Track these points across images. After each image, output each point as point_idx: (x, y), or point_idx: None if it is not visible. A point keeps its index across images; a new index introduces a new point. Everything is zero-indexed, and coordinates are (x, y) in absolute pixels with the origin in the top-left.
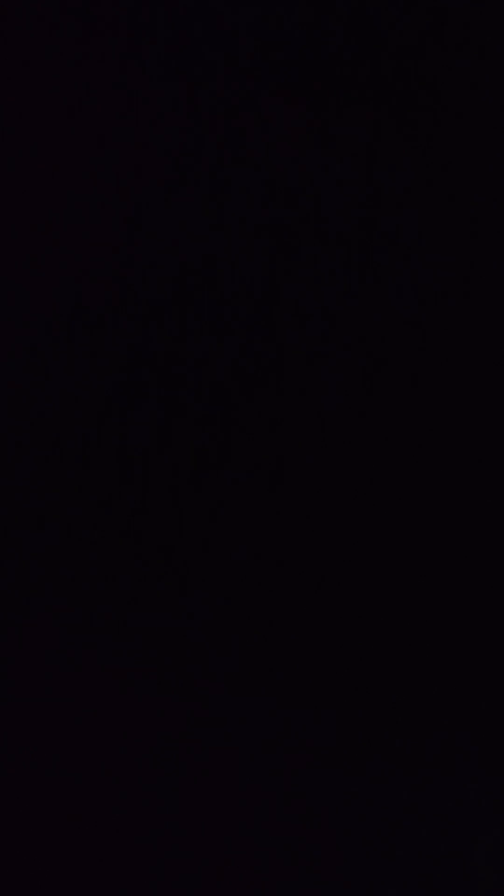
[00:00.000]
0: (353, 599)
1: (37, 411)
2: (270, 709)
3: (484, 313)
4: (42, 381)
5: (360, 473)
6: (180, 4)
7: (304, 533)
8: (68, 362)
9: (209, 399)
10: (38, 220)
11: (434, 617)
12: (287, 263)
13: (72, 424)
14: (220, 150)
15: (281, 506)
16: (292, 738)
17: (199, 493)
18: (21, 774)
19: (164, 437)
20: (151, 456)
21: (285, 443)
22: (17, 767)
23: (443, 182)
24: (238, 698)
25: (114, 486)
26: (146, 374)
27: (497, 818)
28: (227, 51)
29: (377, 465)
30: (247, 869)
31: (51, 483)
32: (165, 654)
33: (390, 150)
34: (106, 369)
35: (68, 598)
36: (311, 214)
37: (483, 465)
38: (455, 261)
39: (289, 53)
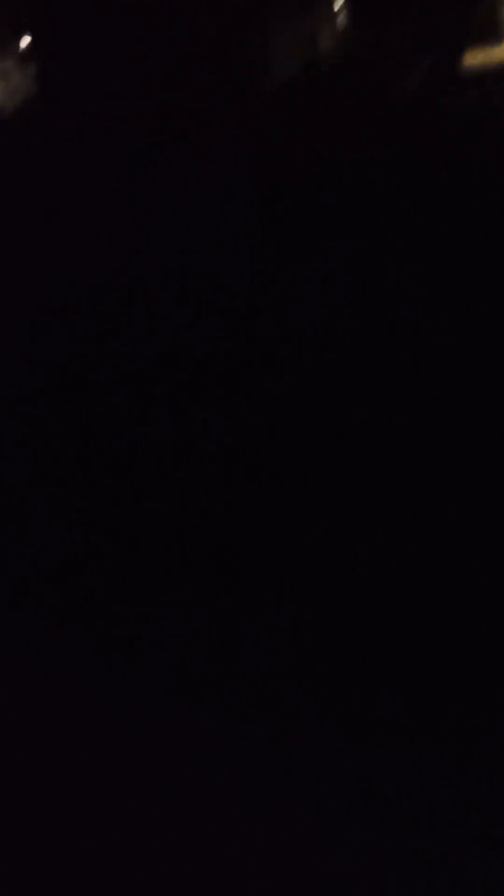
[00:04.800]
0: (354, 597)
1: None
2: (271, 710)
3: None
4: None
5: (360, 475)
6: None
7: (304, 532)
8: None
9: (208, 396)
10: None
11: (436, 618)
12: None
13: (71, 419)
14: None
15: (281, 506)
16: (293, 739)
17: (198, 492)
18: (21, 777)
19: (163, 439)
20: (151, 459)
21: (286, 443)
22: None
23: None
24: (239, 698)
25: (113, 487)
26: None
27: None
28: None
29: (377, 466)
30: (247, 869)
31: (48, 479)
32: (165, 652)
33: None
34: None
35: (68, 597)
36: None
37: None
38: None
39: None
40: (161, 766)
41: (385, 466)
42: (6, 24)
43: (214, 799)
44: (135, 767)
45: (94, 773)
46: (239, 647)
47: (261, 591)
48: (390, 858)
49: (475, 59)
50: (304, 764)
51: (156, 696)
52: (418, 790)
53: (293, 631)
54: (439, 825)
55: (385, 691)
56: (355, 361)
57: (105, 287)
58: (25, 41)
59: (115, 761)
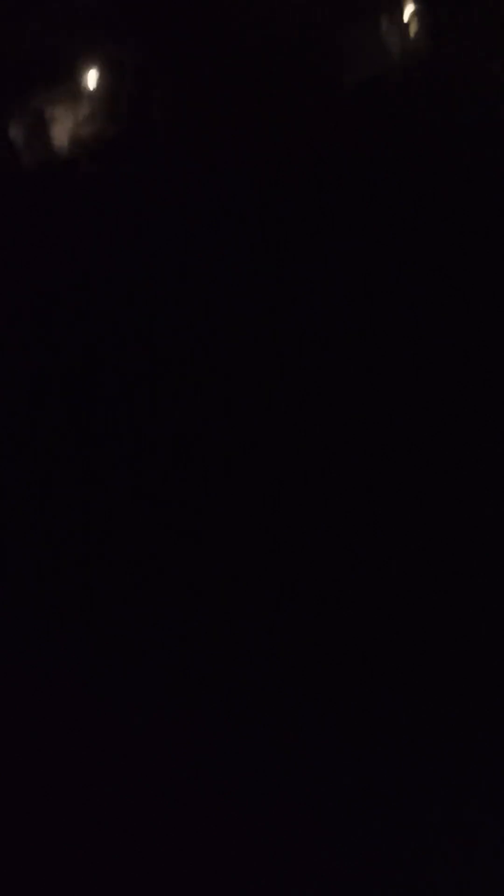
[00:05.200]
0: (355, 598)
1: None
2: (271, 711)
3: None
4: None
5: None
6: None
7: (304, 531)
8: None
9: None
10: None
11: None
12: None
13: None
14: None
15: (281, 506)
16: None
17: (198, 492)
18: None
19: (163, 439)
20: (152, 464)
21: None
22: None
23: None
24: (239, 698)
25: (112, 486)
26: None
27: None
28: None
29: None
30: (247, 869)
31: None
32: (165, 652)
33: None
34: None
35: (68, 597)
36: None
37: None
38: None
39: None
40: (160, 766)
41: (385, 467)
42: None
43: (214, 799)
44: (134, 767)
45: (94, 772)
46: (239, 646)
47: (261, 591)
48: (390, 858)
49: None
50: (303, 764)
51: (156, 696)
52: (418, 790)
53: (293, 631)
54: (439, 825)
55: (385, 691)
56: (355, 363)
57: (105, 288)
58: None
59: (115, 761)
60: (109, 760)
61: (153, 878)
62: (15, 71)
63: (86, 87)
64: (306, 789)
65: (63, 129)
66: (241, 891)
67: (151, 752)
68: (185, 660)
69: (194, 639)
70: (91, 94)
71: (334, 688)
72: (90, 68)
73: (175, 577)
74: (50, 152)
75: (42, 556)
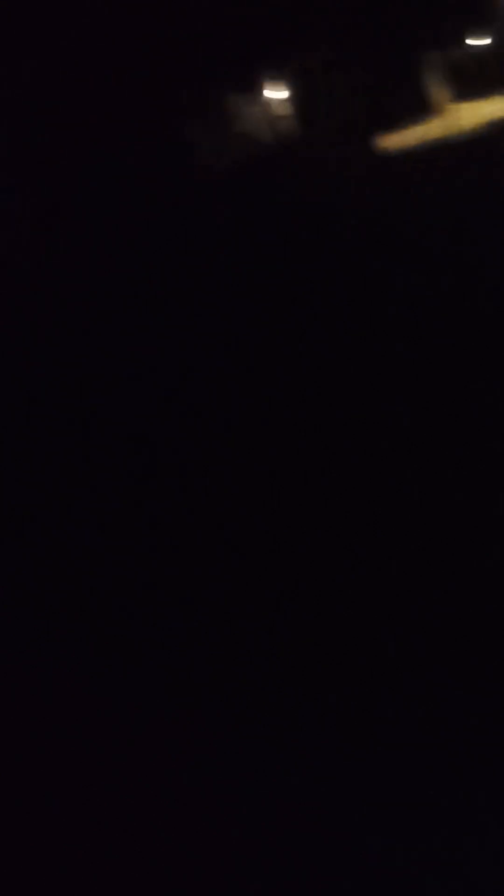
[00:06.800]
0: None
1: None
2: (271, 711)
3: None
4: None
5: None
6: None
7: (305, 532)
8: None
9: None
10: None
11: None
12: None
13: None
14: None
15: (282, 507)
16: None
17: (199, 494)
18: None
19: (164, 441)
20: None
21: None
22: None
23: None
24: (239, 698)
25: (114, 487)
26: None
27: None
28: None
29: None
30: (246, 870)
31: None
32: (165, 652)
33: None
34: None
35: (68, 597)
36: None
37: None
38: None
39: None
40: (161, 766)
41: (383, 471)
42: None
43: (214, 800)
44: (135, 768)
45: (94, 773)
46: (239, 647)
47: (261, 592)
48: (390, 858)
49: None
50: (303, 764)
51: (156, 696)
52: (418, 791)
53: (293, 631)
54: (439, 825)
55: (385, 692)
56: (355, 371)
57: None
58: None
59: (115, 762)
60: (109, 761)
61: (153, 876)
62: None
63: None
64: (306, 789)
65: None
66: (241, 890)
67: (151, 751)
68: (185, 660)
69: (194, 639)
70: None
71: (334, 688)
72: None
73: (175, 577)
74: None
75: (42, 557)
